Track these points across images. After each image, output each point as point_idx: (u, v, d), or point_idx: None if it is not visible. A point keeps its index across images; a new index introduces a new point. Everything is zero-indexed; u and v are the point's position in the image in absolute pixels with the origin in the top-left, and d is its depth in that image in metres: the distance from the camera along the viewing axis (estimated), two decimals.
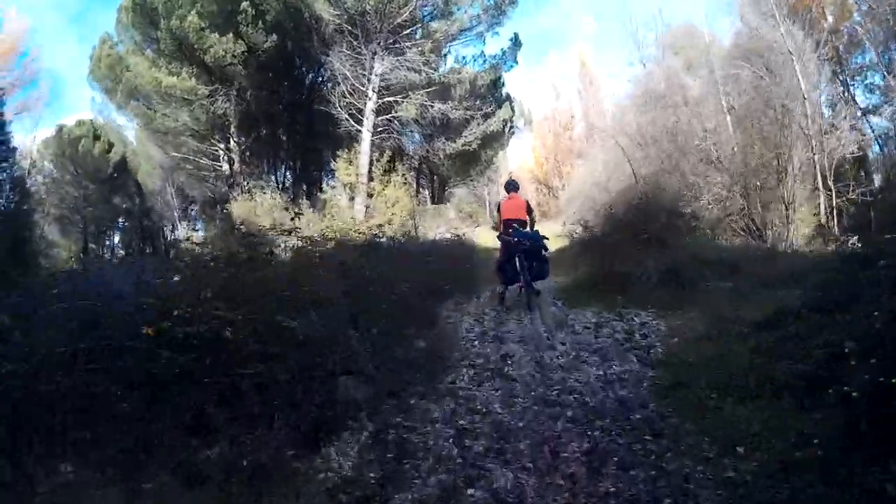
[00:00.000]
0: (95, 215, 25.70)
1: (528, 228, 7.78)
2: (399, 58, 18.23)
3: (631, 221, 8.84)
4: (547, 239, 7.86)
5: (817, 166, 10.52)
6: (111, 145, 24.52)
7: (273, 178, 23.78)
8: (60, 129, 24.54)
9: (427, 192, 25.31)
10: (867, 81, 14.15)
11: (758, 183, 11.20)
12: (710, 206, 11.11)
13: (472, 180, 25.73)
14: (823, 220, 10.58)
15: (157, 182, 25.16)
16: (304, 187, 23.13)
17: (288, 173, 23.74)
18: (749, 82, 10.84)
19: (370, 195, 18.42)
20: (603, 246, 8.39)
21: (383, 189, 18.09)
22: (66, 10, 50.31)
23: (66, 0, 49.27)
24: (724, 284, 7.14)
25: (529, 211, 8.07)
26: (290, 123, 22.08)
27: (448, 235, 11.23)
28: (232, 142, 19.98)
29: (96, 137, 24.06)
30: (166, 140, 20.97)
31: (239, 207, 18.20)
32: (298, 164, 23.19)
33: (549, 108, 30.32)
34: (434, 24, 18.74)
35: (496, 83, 22.13)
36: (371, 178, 18.46)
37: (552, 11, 53.95)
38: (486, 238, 14.72)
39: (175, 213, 27.08)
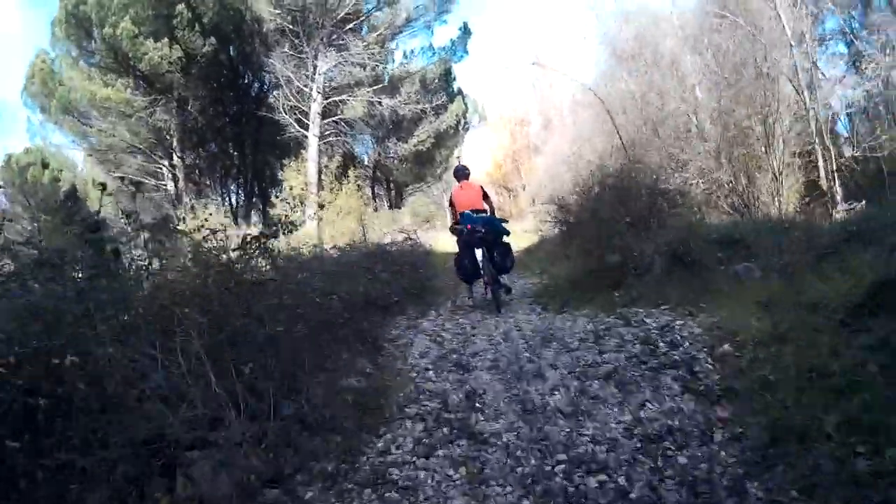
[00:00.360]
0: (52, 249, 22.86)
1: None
2: (343, 53, 16.37)
3: (610, 201, 7.13)
4: (506, 222, 6.69)
5: (813, 123, 9.11)
6: (60, 172, 21.83)
7: (222, 194, 21.57)
8: (9, 158, 21.84)
9: (385, 201, 23.41)
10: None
11: (744, 151, 9.75)
12: (693, 181, 9.60)
13: (427, 184, 23.94)
14: (825, 185, 9.13)
15: (110, 209, 22.63)
16: (254, 201, 21.03)
17: (239, 188, 21.60)
18: (728, 35, 9.38)
19: (321, 205, 16.51)
20: (583, 232, 6.64)
21: (335, 198, 16.17)
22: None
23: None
24: (747, 265, 5.47)
25: (486, 198, 6.85)
26: (237, 135, 20.02)
27: (399, 239, 9.43)
28: (175, 157, 17.86)
29: (45, 165, 21.34)
30: (107, 159, 18.79)
31: (183, 226, 16.06)
32: (249, 177, 21.06)
33: (504, 105, 28.93)
34: (378, 15, 16.97)
35: (447, 76, 20.42)
36: (322, 187, 16.58)
37: None
38: (445, 242, 13.00)
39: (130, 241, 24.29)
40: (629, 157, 8.48)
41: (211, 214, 16.29)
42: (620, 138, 8.60)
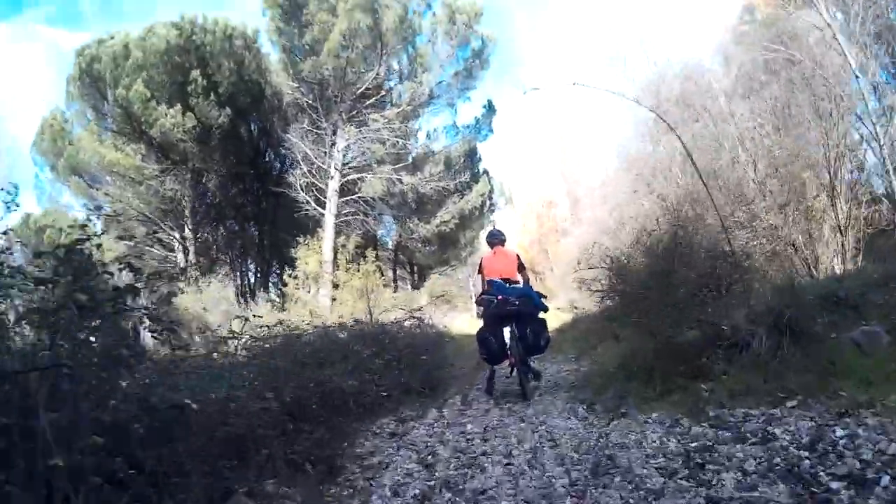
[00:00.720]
0: (68, 315, 21.91)
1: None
2: (362, 129, 15.61)
3: (671, 264, 5.40)
4: (545, 297, 5.51)
5: (889, 161, 7.30)
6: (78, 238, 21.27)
7: (233, 270, 20.47)
8: (27, 217, 21.54)
9: (408, 285, 21.95)
10: None
11: (808, 205, 8.01)
12: (755, 242, 7.78)
13: (452, 267, 22.48)
14: None
15: (126, 278, 21.76)
16: (267, 280, 19.82)
17: (252, 265, 20.52)
18: (784, 76, 7.91)
19: (336, 285, 15.13)
20: (640, 303, 4.84)
21: (350, 278, 14.80)
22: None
23: None
24: (867, 329, 3.61)
25: (521, 268, 5.80)
26: (252, 210, 19.17)
27: (408, 320, 7.78)
28: (186, 229, 16.87)
29: (62, 229, 20.91)
30: (117, 225, 18.06)
31: (185, 300, 14.78)
32: (265, 254, 20.04)
33: (531, 187, 27.91)
34: (399, 90, 16.39)
35: (472, 156, 19.45)
36: (337, 267, 15.29)
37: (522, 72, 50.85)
38: (463, 324, 11.28)
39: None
40: (683, 216, 6.86)
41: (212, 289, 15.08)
42: (699, 173, 6.80)
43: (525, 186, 28.74)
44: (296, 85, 15.47)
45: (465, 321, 11.79)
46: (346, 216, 16.21)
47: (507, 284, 5.40)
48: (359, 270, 15.08)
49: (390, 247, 21.21)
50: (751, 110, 7.89)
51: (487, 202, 20.28)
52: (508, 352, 5.09)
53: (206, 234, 18.63)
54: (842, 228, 7.82)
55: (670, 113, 9.24)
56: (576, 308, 8.33)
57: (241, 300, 16.06)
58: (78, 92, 15.29)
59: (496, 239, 5.89)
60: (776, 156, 7.77)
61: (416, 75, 15.78)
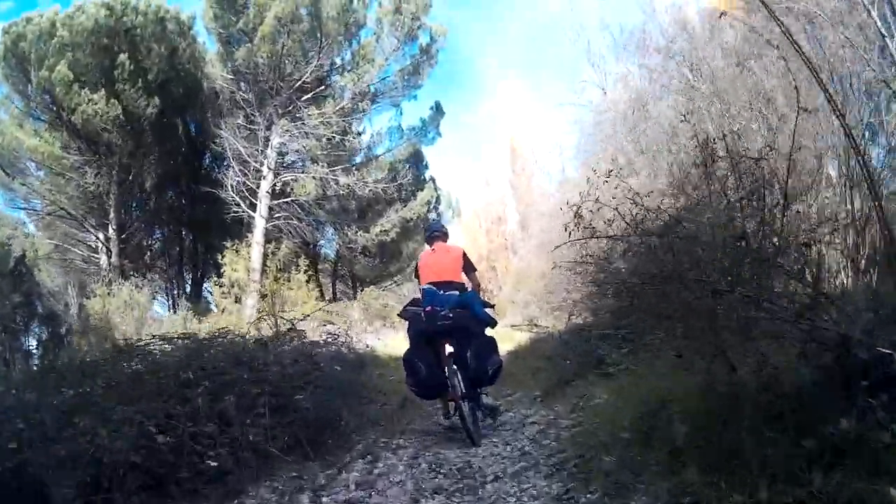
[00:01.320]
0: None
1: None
2: (297, 123, 13.54)
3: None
4: (491, 306, 4.47)
5: None
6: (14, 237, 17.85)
7: (167, 277, 17.59)
8: None
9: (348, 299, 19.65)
10: None
11: None
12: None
13: (395, 282, 20.42)
14: None
15: (59, 280, 18.41)
16: (200, 288, 17.16)
17: (187, 272, 17.79)
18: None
19: (263, 295, 12.90)
20: (668, 307, 2.85)
21: (279, 287, 12.58)
22: None
23: None
24: None
25: (469, 268, 4.43)
26: (187, 212, 16.60)
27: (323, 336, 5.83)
28: (110, 229, 14.16)
29: None
30: (37, 220, 15.65)
31: (95, 305, 12.15)
32: (197, 260, 17.36)
33: (480, 200, 26.19)
34: (341, 83, 14.35)
35: (417, 160, 17.46)
36: (266, 275, 13.12)
37: (466, 78, 48.41)
38: (399, 345, 9.29)
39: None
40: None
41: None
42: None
43: (473, 199, 27.14)
44: (231, 77, 13.37)
45: (402, 341, 9.80)
46: (279, 220, 14.04)
47: (441, 291, 3.98)
48: (289, 280, 12.98)
49: (331, 259, 19.05)
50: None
51: (434, 212, 18.44)
52: (447, 381, 3.77)
53: (135, 236, 15.98)
54: None
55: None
56: (536, 326, 6.49)
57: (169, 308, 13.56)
58: (2, 74, 12.97)
59: (436, 232, 4.58)
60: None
61: (359, 69, 13.90)
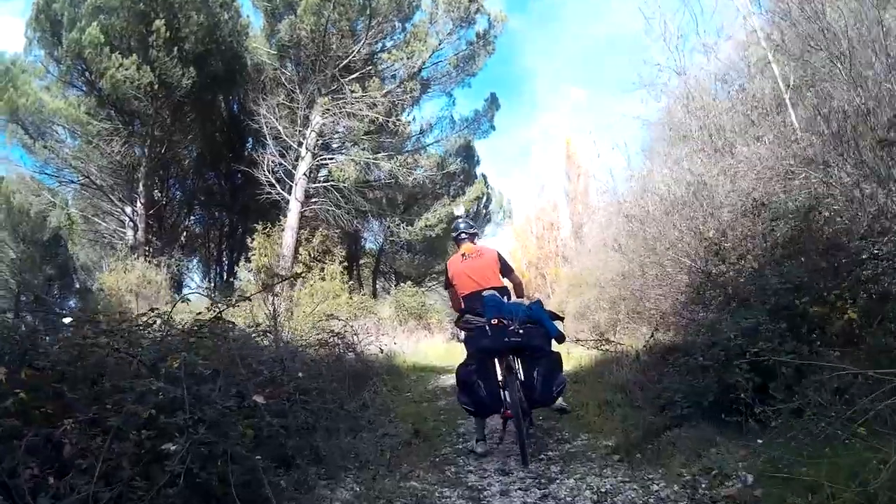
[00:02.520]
0: (32, 284, 18.30)
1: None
2: (339, 102, 12.19)
3: None
4: (561, 319, 3.64)
5: None
6: (52, 207, 17.74)
7: (203, 258, 16.75)
8: (1, 179, 18.07)
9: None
10: None
11: None
12: None
13: (438, 282, 18.76)
14: None
15: (94, 257, 18.10)
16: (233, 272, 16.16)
17: (223, 253, 16.88)
18: None
19: (292, 284, 11.49)
20: None
21: (306, 277, 11.15)
22: None
23: None
24: None
25: (507, 271, 3.88)
26: (225, 192, 15.66)
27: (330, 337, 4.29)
28: (138, 203, 13.23)
29: (36, 195, 17.34)
30: (70, 191, 14.77)
31: (109, 280, 11.19)
32: (233, 244, 16.40)
33: (532, 206, 24.10)
34: (391, 67, 12.90)
35: (468, 153, 15.89)
36: (297, 263, 11.80)
37: (519, 84, 45.79)
38: (434, 353, 7.51)
39: None
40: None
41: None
42: None
43: (526, 205, 25.15)
44: (274, 52, 12.20)
45: (438, 349, 8.04)
46: (316, 205, 12.67)
47: (506, 298, 3.55)
48: (322, 270, 11.51)
49: (373, 252, 17.64)
50: None
51: (483, 210, 16.66)
52: (505, 400, 3.26)
53: (170, 214, 15.14)
54: None
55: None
56: (605, 342, 4.49)
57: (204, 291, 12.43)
58: (33, 35, 12.15)
59: (464, 233, 4.00)
60: None
61: (409, 48, 12.37)
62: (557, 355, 3.36)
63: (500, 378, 3.32)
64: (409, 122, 13.98)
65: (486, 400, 3.23)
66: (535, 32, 42.69)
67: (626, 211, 6.15)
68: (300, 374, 3.27)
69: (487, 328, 3.26)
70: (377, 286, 17.85)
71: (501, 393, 3.30)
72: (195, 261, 16.31)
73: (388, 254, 16.67)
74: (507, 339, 3.18)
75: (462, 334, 3.74)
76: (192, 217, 16.36)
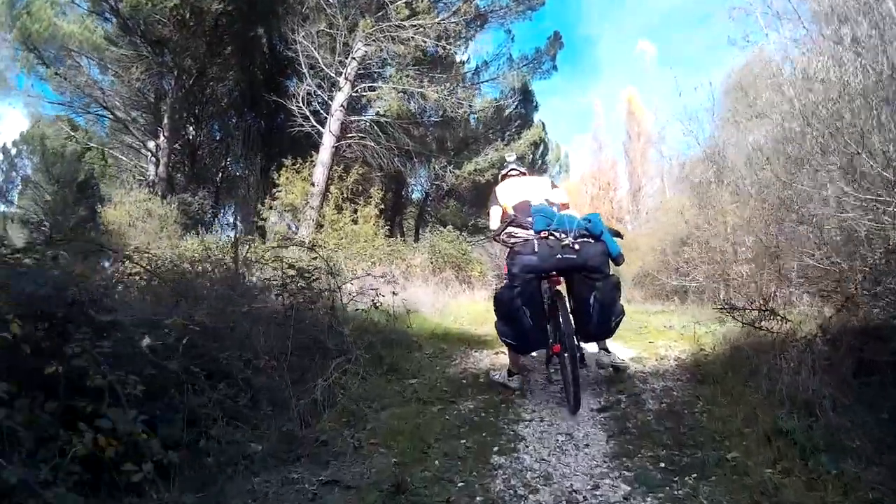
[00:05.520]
0: (64, 225, 17.85)
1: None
2: (383, 25, 9.94)
3: None
4: (621, 236, 2.84)
5: None
6: (87, 149, 16.84)
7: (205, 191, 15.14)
8: (37, 121, 17.29)
9: None
10: None
11: None
12: None
13: (485, 237, 16.62)
14: None
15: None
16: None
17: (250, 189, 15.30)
18: None
19: (320, 224, 9.81)
20: None
21: (339, 219, 9.37)
22: None
23: None
24: None
25: (560, 196, 3.03)
26: (259, 129, 13.95)
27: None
28: (161, 136, 11.46)
29: (71, 137, 16.43)
30: (99, 126, 12.98)
31: (109, 214, 9.94)
32: (263, 180, 14.79)
33: (590, 165, 21.22)
34: None
35: (525, 95, 13.36)
36: (327, 202, 10.02)
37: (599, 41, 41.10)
38: (470, 315, 5.35)
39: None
40: None
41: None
42: None
43: (583, 163, 22.27)
44: None
45: (477, 308, 5.96)
46: (353, 139, 10.69)
47: (558, 210, 2.76)
48: (356, 213, 9.64)
49: (417, 200, 15.66)
50: None
51: (538, 158, 14.16)
52: (556, 332, 2.67)
53: (203, 152, 13.64)
54: None
55: None
56: (768, 313, 2.40)
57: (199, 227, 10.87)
58: None
59: (514, 169, 3.31)
60: None
61: None
62: (616, 279, 2.69)
63: (550, 309, 2.75)
64: (464, 59, 11.60)
65: (532, 331, 2.61)
66: None
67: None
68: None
69: (536, 242, 2.58)
70: (420, 237, 15.89)
71: (546, 329, 2.71)
72: (233, 203, 14.82)
73: (434, 201, 14.61)
74: (560, 256, 2.54)
75: (506, 258, 2.79)
76: (228, 157, 14.68)
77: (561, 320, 2.60)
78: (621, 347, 3.68)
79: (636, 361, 3.37)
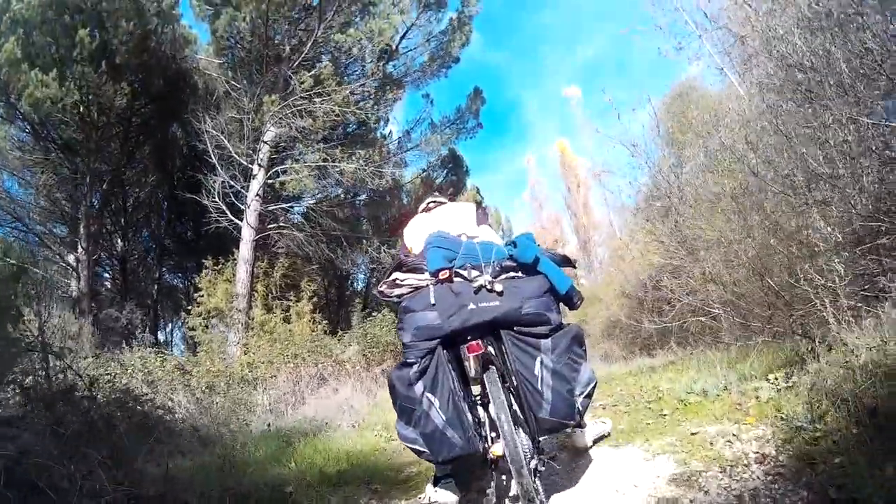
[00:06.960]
0: None
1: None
2: (290, 101, 8.84)
3: None
4: (573, 264, 1.89)
5: None
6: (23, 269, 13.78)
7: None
8: None
9: None
10: None
11: None
12: None
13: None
14: None
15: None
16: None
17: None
18: None
19: (250, 327, 8.01)
20: None
21: (269, 320, 7.64)
22: None
23: None
24: None
25: (485, 219, 2.14)
26: (177, 227, 12.24)
27: None
28: (79, 248, 9.87)
29: None
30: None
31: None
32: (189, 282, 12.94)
33: (532, 225, 20.52)
34: (343, 38, 9.49)
35: (455, 161, 12.53)
36: (253, 303, 8.29)
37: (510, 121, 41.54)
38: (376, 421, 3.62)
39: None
40: None
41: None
42: None
43: (525, 223, 21.66)
44: (217, 61, 9.10)
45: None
46: (274, 230, 9.23)
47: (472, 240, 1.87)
48: (288, 310, 7.93)
49: (358, 288, 14.06)
50: None
51: None
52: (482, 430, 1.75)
53: (134, 263, 11.80)
54: None
55: None
56: None
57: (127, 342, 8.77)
58: None
59: (433, 203, 2.39)
60: None
61: (370, 30, 9.18)
62: (575, 331, 1.67)
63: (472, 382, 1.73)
64: (385, 133, 10.73)
65: (447, 430, 1.57)
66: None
67: None
68: None
69: (432, 289, 1.67)
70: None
71: (474, 415, 1.67)
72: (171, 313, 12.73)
73: (376, 286, 12.94)
74: (473, 307, 1.61)
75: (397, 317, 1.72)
76: (163, 267, 12.90)
77: (492, 408, 1.61)
78: (642, 454, 2.09)
79: (683, 483, 1.77)
